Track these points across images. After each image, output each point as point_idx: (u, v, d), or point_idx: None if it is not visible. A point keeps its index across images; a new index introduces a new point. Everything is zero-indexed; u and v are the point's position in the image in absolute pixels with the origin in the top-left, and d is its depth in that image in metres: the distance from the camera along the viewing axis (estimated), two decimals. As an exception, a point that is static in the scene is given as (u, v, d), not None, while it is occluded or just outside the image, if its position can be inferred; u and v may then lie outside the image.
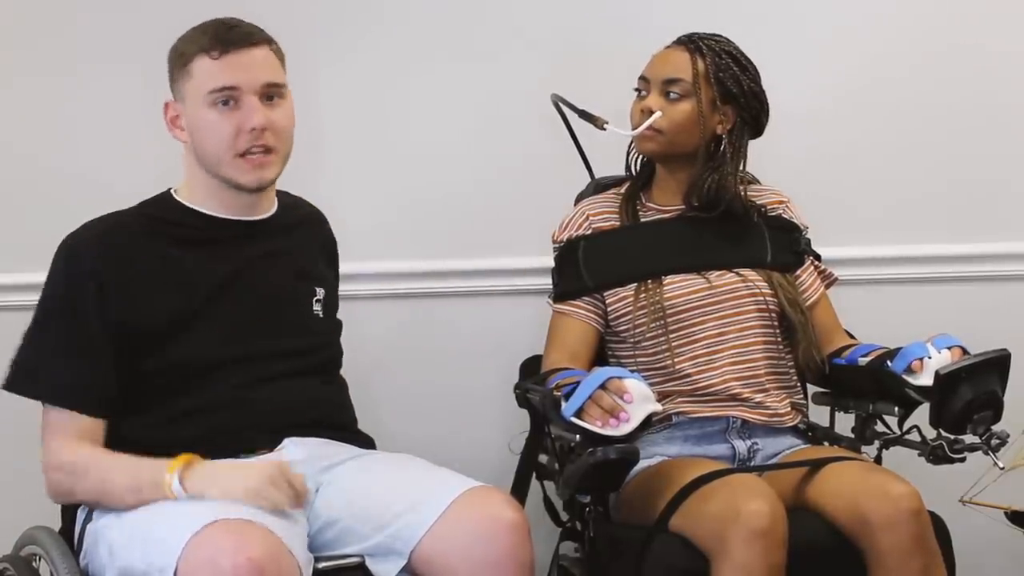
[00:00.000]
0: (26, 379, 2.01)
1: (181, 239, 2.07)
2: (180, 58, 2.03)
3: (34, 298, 2.05)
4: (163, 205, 2.11)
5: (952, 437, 2.17)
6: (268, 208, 2.15)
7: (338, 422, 2.13)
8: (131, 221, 2.08)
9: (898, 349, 2.21)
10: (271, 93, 2.03)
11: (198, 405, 2.00)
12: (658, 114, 2.30)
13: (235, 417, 2.01)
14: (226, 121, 2.00)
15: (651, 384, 2.04)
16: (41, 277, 2.05)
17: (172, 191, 2.12)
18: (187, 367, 2.01)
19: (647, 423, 1.98)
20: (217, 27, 2.03)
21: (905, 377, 2.17)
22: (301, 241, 2.20)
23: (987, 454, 2.15)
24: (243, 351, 2.04)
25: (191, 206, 2.09)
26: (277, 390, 2.05)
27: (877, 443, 2.33)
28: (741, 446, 2.30)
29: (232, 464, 1.92)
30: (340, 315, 2.25)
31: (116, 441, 1.99)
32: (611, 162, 2.50)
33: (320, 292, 2.17)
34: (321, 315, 2.17)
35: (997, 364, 2.13)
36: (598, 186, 2.52)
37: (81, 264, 2.00)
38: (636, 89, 2.37)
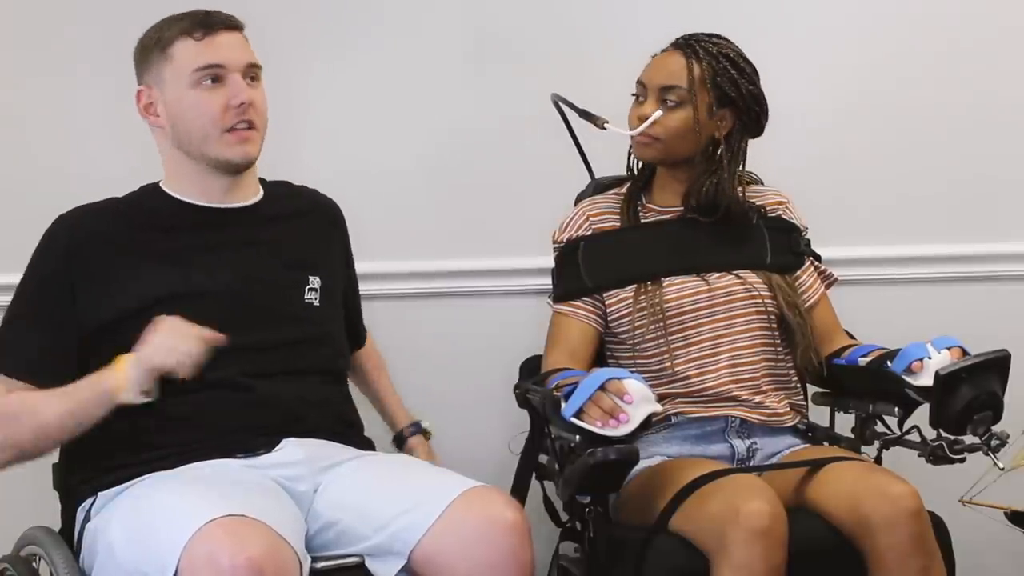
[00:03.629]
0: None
1: (158, 226, 2.10)
2: (157, 43, 2.06)
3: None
4: (146, 194, 2.15)
5: (952, 437, 2.17)
6: (250, 196, 2.16)
7: (339, 429, 2.12)
8: (116, 206, 2.13)
9: (898, 350, 2.20)
10: (252, 74, 2.08)
11: (192, 403, 2.00)
12: (658, 114, 2.29)
13: (230, 418, 2.01)
14: (213, 98, 2.05)
15: (650, 386, 2.03)
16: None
17: (159, 182, 2.15)
18: None
19: (647, 424, 1.98)
20: (193, 14, 2.08)
21: (905, 377, 2.16)
22: (294, 230, 2.19)
23: (987, 454, 2.15)
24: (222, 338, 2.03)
25: (172, 194, 2.13)
26: (273, 388, 2.04)
27: (877, 443, 2.33)
28: (740, 446, 2.30)
29: (151, 345, 1.95)
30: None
31: (107, 440, 1.99)
32: (611, 162, 2.49)
33: (315, 281, 2.16)
34: (316, 304, 2.15)
35: (997, 364, 2.12)
36: (598, 186, 2.52)
37: (57, 243, 2.06)
38: (634, 94, 2.35)
